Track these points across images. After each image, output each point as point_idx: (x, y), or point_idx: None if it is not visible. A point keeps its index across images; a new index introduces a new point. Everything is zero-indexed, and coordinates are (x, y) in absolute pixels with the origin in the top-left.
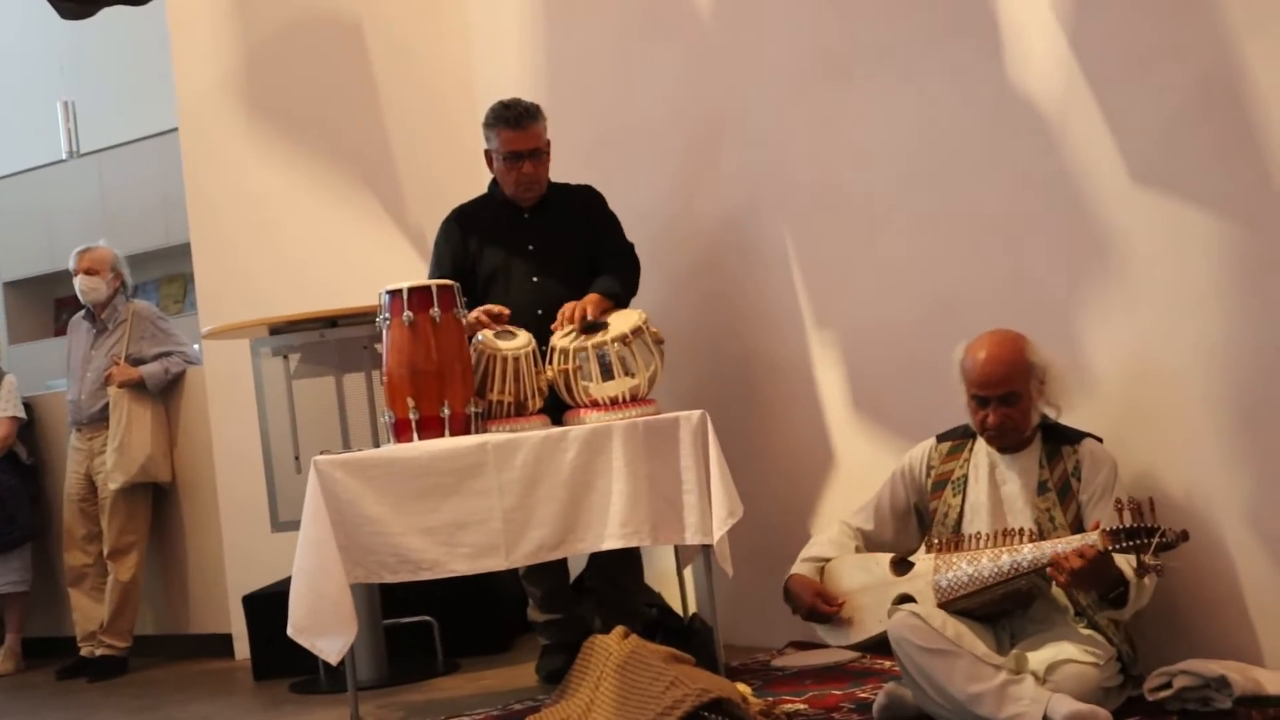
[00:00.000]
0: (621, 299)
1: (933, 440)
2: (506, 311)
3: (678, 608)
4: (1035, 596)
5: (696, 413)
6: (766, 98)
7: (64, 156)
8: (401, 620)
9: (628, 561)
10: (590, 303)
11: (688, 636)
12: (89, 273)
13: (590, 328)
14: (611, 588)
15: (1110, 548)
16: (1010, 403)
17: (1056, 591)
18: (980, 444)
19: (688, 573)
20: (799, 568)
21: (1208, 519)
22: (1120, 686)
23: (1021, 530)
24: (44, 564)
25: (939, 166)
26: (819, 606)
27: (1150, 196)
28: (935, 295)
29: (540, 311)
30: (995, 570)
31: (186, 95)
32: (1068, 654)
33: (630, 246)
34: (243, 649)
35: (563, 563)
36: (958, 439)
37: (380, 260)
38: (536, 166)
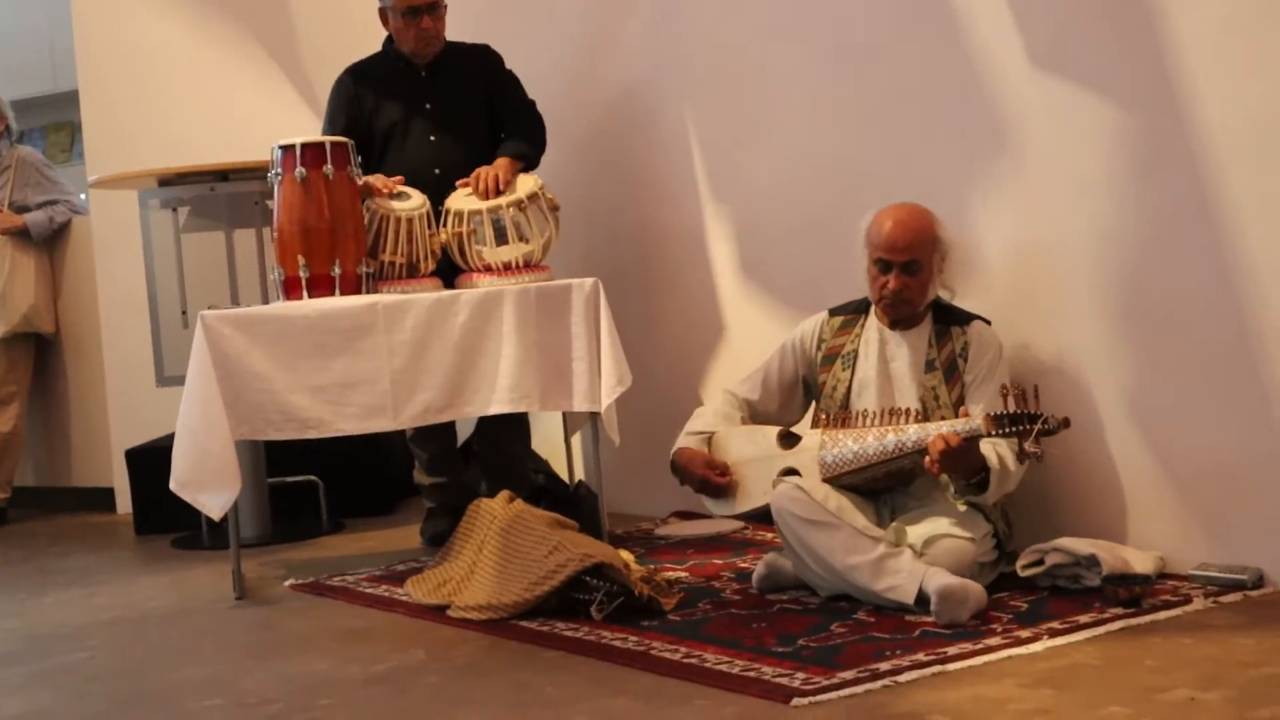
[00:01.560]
0: (532, 160)
1: (825, 314)
2: (400, 181)
3: (564, 475)
4: (917, 474)
5: (589, 280)
6: None
7: None
8: (287, 479)
9: (515, 427)
10: (502, 168)
11: (573, 503)
12: None
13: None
14: (497, 453)
15: (992, 432)
16: (911, 271)
17: None
18: (872, 320)
19: (575, 440)
20: (684, 441)
21: (1087, 402)
22: (994, 562)
23: (908, 411)
24: None
25: (840, 42)
26: (710, 478)
27: (1048, 82)
28: (830, 170)
29: (438, 171)
30: (880, 449)
31: None
32: (944, 529)
33: (532, 104)
34: (125, 504)
35: (450, 426)
36: (850, 314)
37: (274, 116)
38: (435, 21)
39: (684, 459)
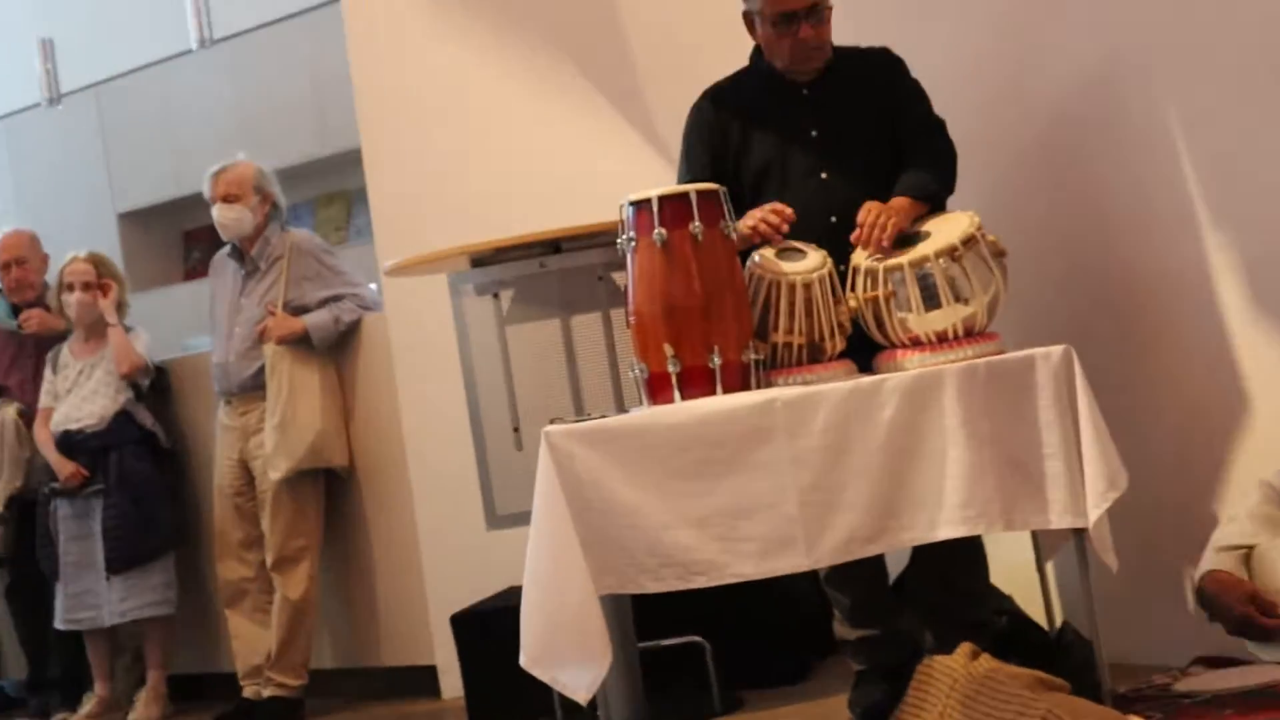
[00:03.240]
0: (938, 198)
1: None
2: (793, 213)
3: (1039, 617)
4: None
5: (1057, 349)
6: None
7: (192, 46)
8: (662, 643)
9: (968, 555)
10: (898, 210)
11: (1056, 655)
12: (228, 199)
13: (904, 240)
14: (946, 591)
15: None
16: None
17: None
18: None
19: (1050, 567)
20: (1215, 560)
21: None
22: None
23: None
24: (192, 579)
25: None
26: (1254, 619)
27: None
28: None
29: (833, 218)
30: None
31: None
32: None
33: (941, 125)
34: (452, 685)
35: (879, 560)
36: None
37: (614, 163)
38: (817, 27)
39: (1216, 586)
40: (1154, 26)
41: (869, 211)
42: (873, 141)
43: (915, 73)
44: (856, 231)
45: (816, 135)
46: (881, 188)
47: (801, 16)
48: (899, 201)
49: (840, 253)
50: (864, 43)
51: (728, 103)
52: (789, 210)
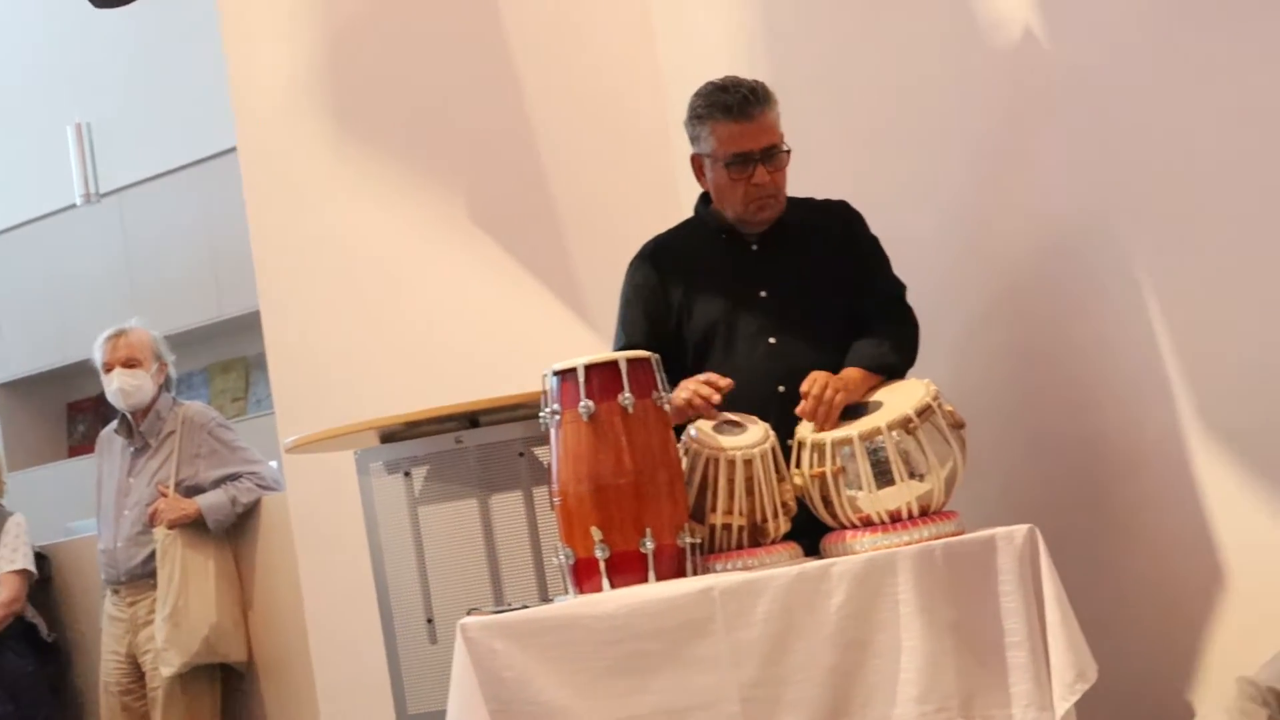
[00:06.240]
0: (896, 369)
1: None
2: (729, 383)
3: None
4: None
5: (1020, 529)
6: (1107, 54)
7: (77, 201)
8: None
9: None
10: (848, 382)
11: None
12: (129, 364)
13: (853, 411)
14: None
15: None
16: None
17: None
18: None
19: None
20: None
21: None
22: None
23: None
24: None
25: None
26: None
27: None
28: None
29: (781, 387)
30: None
31: (247, 102)
32: None
33: (902, 290)
34: None
35: None
36: None
37: (537, 330)
38: (774, 172)
39: None
40: (1129, 185)
41: (814, 382)
42: (827, 304)
43: (874, 226)
44: (802, 404)
45: (765, 296)
46: (835, 354)
47: (757, 158)
48: (850, 373)
49: (788, 425)
50: (821, 193)
51: (669, 260)
52: (725, 380)
